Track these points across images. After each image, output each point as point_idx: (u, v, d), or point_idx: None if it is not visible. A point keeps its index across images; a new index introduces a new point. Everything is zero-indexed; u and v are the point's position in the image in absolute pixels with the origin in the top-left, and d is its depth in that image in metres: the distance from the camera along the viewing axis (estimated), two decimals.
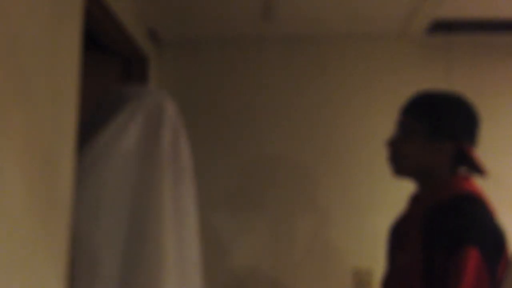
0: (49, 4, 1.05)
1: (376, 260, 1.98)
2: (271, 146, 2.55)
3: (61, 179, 1.10)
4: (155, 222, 1.17)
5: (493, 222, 1.42)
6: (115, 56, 2.23)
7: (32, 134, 0.98)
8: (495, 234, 1.40)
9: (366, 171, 2.47)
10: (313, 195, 2.52)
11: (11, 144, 0.90)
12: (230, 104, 2.59)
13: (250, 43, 2.60)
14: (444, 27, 2.42)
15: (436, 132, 1.50)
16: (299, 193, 2.52)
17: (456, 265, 1.33)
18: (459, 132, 1.51)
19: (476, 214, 1.41)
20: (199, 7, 2.27)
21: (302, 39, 2.57)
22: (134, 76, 2.29)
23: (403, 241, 1.55)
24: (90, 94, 1.43)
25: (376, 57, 2.57)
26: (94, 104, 1.33)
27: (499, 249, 1.39)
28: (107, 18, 1.82)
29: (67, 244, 1.10)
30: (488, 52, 2.54)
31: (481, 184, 1.53)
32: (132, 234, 1.15)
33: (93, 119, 1.27)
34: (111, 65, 2.24)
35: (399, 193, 1.72)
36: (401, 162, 1.56)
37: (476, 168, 1.52)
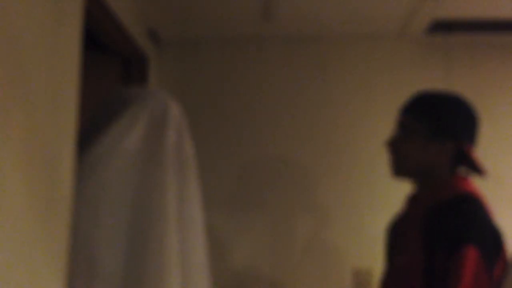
0: (49, 4, 1.05)
1: (376, 260, 1.98)
2: (271, 146, 2.56)
3: (61, 179, 1.10)
4: (158, 222, 1.17)
5: (492, 223, 1.43)
6: (115, 56, 2.22)
7: (32, 134, 0.98)
8: (494, 234, 1.40)
9: (366, 171, 2.48)
10: (313, 195, 2.52)
11: (11, 144, 0.90)
12: (230, 104, 2.59)
13: (250, 43, 2.60)
14: (444, 27, 2.42)
15: (436, 132, 1.50)
16: (299, 193, 2.52)
17: (456, 264, 1.33)
18: (459, 132, 1.51)
19: (476, 214, 1.42)
20: (199, 7, 2.27)
21: (302, 39, 2.57)
22: (134, 76, 2.29)
23: (401, 241, 1.55)
24: (90, 94, 1.43)
25: (376, 57, 2.57)
26: (96, 105, 1.33)
27: (497, 249, 1.40)
28: (107, 18, 1.82)
29: (67, 244, 1.10)
30: (487, 52, 2.54)
31: (481, 184, 1.53)
32: (134, 234, 1.15)
33: (96, 121, 1.27)
34: (111, 65, 2.24)
35: (399, 193, 1.72)
36: (401, 162, 1.56)
37: (476, 168, 1.52)
